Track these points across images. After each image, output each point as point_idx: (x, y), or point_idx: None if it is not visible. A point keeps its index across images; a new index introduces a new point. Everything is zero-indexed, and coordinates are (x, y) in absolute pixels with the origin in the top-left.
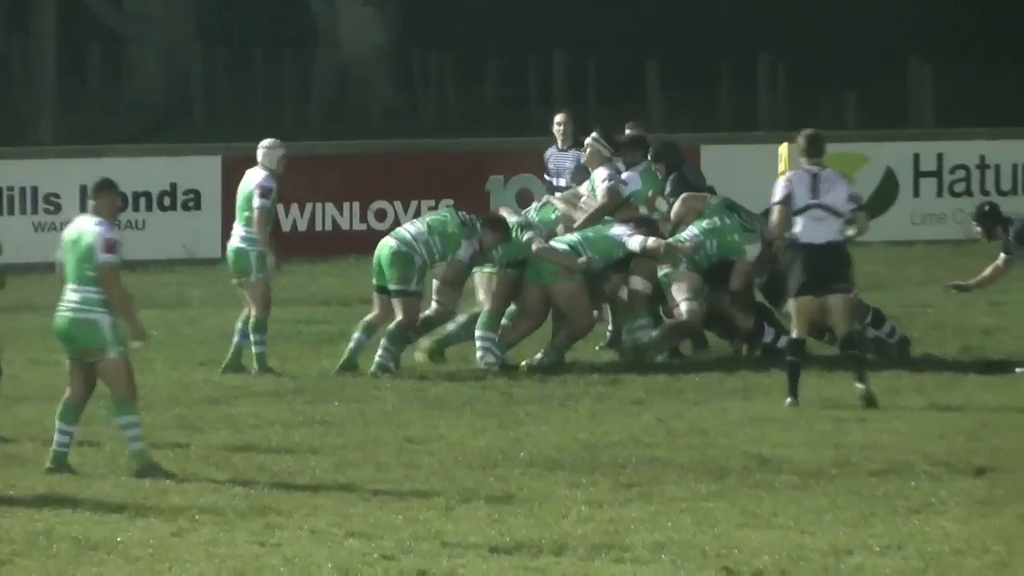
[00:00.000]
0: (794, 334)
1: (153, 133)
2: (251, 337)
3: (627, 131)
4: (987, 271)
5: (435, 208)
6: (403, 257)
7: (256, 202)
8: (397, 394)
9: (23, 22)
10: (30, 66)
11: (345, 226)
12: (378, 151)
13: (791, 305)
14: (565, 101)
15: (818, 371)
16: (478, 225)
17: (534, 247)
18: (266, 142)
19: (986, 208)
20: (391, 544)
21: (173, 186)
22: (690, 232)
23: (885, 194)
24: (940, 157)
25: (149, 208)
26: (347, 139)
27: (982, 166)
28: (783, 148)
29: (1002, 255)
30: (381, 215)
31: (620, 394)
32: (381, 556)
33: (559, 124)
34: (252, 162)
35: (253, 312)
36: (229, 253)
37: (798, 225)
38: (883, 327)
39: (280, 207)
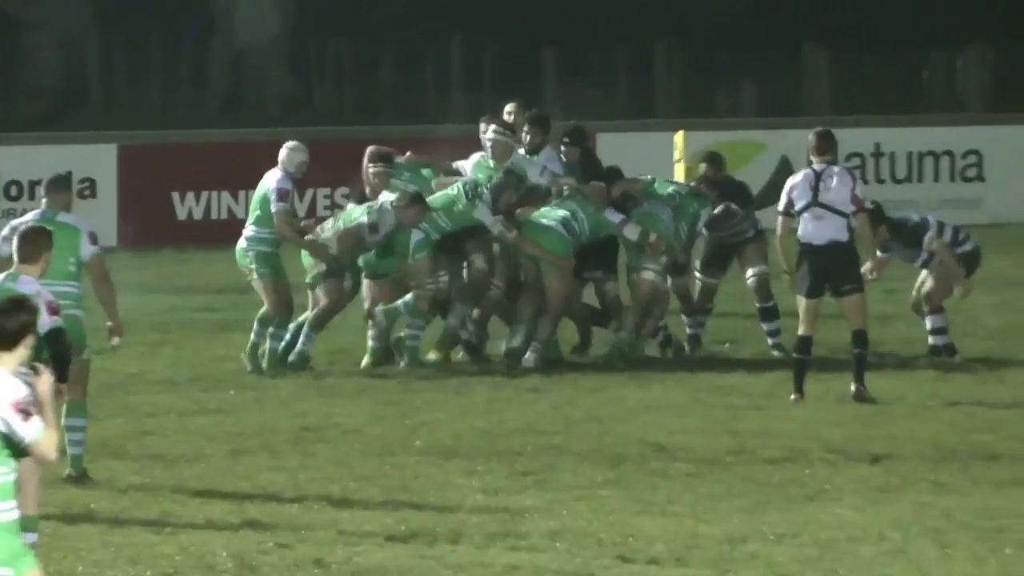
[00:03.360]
0: (801, 331)
1: (49, 120)
2: (254, 325)
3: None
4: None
5: (330, 196)
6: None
7: (274, 207)
8: (293, 382)
9: None
10: None
11: (240, 214)
12: (274, 139)
13: (799, 303)
14: (462, 88)
15: (714, 359)
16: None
17: (517, 240)
18: (289, 144)
19: (870, 206)
20: (287, 533)
21: (69, 174)
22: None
23: (781, 182)
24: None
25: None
26: (243, 127)
27: (877, 154)
28: (679, 136)
29: (879, 252)
30: None
31: (516, 382)
32: (277, 545)
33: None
34: (149, 151)
35: (265, 306)
36: (236, 252)
37: (800, 225)
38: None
39: (176, 195)
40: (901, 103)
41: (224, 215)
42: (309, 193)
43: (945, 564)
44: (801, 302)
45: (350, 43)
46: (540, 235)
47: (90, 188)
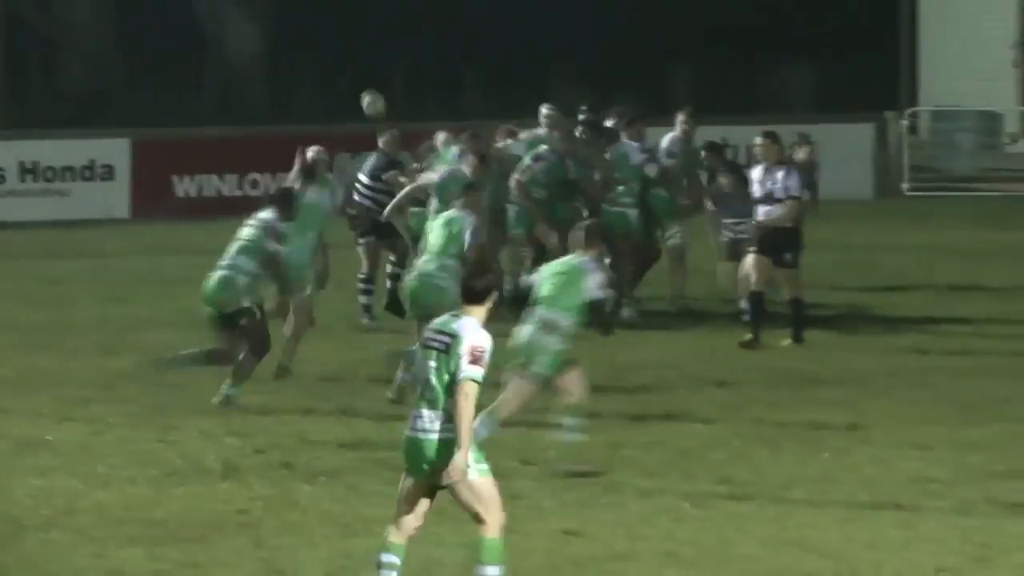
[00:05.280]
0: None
1: (78, 120)
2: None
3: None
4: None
5: None
6: None
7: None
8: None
9: None
10: None
11: (226, 192)
12: (254, 134)
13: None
14: (403, 96)
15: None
16: None
17: None
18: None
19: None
20: (262, 441)
21: (92, 161)
22: None
23: None
24: None
25: (73, 179)
26: (232, 125)
27: (724, 145)
28: None
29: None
30: (254, 184)
31: None
32: (254, 451)
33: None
34: (156, 144)
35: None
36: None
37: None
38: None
39: (175, 178)
40: (742, 105)
41: (213, 193)
42: (279, 178)
43: (776, 465)
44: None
45: (319, 57)
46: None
47: (109, 173)
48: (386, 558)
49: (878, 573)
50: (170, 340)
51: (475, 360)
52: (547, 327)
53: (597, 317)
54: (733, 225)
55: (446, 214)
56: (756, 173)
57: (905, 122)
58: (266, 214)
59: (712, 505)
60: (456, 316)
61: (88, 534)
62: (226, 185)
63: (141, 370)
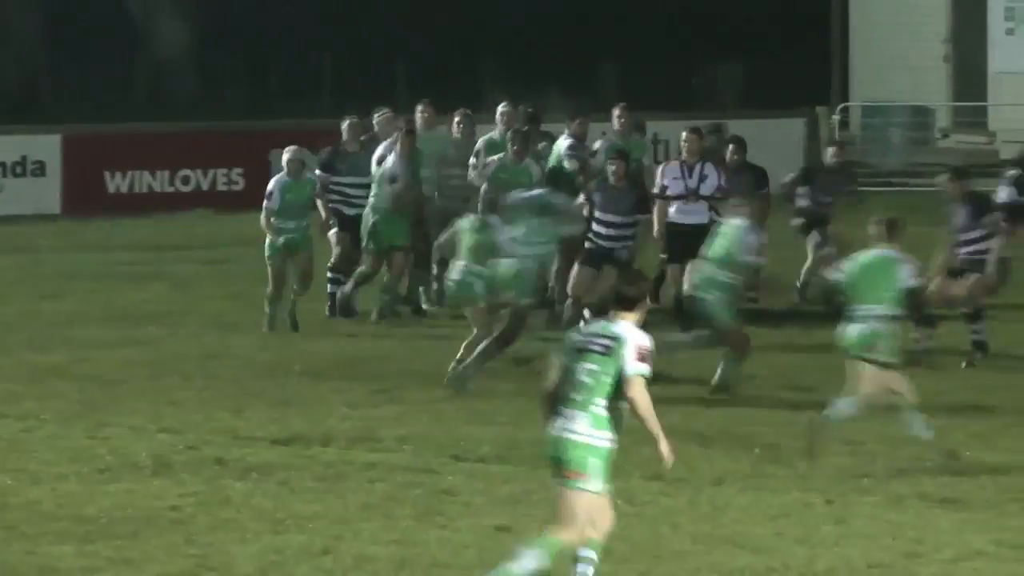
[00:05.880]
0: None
1: (8, 116)
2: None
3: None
4: None
5: (227, 175)
6: None
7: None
8: (199, 319)
9: None
10: None
11: (158, 189)
12: (185, 130)
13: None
14: (330, 93)
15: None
16: None
17: None
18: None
19: None
20: (194, 437)
21: (24, 158)
22: None
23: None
24: None
25: (5, 175)
26: (161, 120)
27: (655, 141)
28: None
29: None
30: (185, 180)
31: (375, 327)
32: (186, 447)
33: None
34: (87, 140)
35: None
36: None
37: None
38: None
39: (107, 173)
40: (673, 102)
41: (145, 190)
42: (211, 172)
43: (708, 461)
44: None
45: (244, 55)
46: None
47: (41, 169)
48: (582, 552)
49: (810, 569)
50: (100, 336)
51: (643, 359)
52: (874, 320)
53: (914, 305)
54: (607, 229)
55: (732, 222)
56: (671, 169)
57: (836, 117)
58: (488, 216)
59: (644, 501)
60: (612, 321)
61: (19, 530)
62: (158, 181)
63: (72, 365)
